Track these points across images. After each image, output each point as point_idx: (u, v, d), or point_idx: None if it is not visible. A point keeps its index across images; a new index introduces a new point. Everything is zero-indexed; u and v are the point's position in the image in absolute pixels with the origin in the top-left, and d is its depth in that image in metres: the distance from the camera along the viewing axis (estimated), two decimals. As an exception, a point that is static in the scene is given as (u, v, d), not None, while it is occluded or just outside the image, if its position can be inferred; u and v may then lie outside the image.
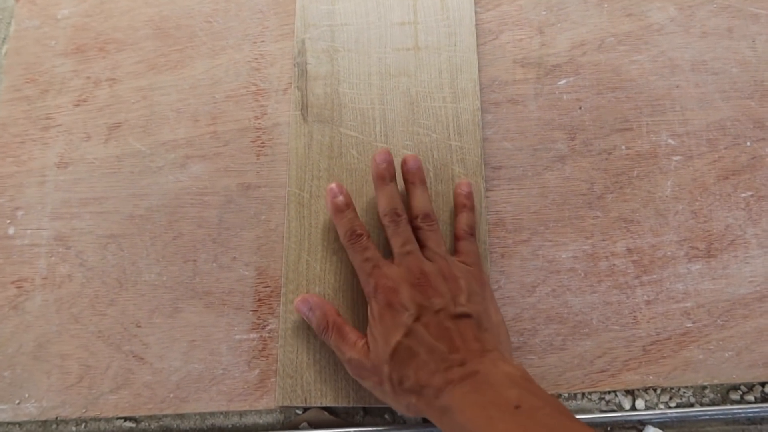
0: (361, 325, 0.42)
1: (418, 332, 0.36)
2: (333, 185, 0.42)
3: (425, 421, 0.42)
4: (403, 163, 0.43)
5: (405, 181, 0.43)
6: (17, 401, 0.42)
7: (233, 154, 0.47)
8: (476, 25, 0.49)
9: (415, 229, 0.41)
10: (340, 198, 0.42)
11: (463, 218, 0.43)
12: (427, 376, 0.35)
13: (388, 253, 0.42)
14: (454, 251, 0.43)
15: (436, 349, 0.36)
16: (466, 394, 0.33)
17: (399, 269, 0.39)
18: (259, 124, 0.48)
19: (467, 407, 0.33)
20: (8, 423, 0.42)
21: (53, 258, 0.45)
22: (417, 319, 0.37)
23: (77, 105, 0.48)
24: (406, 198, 0.43)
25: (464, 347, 0.36)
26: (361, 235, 0.41)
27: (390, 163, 0.42)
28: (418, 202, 0.42)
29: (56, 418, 0.42)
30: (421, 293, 0.38)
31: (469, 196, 0.44)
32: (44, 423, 0.42)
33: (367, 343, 0.39)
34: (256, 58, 0.49)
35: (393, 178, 0.42)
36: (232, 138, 0.47)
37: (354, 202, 0.43)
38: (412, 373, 0.36)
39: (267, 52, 0.49)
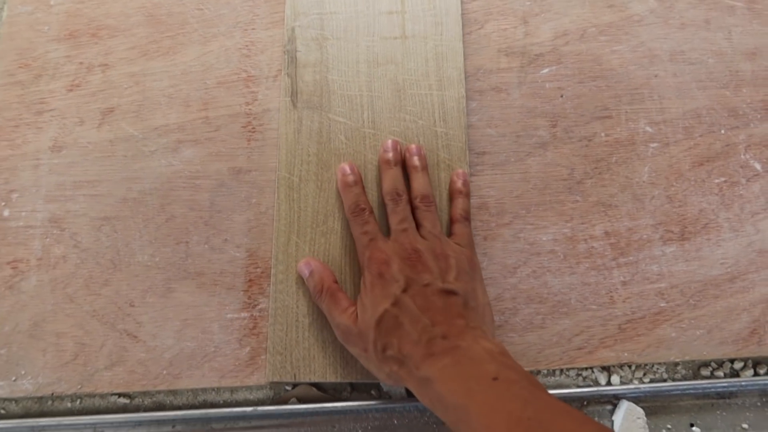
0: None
1: (405, 303, 0.38)
2: (345, 165, 0.45)
3: (409, 396, 0.44)
4: (407, 150, 0.46)
5: (408, 166, 0.45)
6: (13, 378, 0.43)
7: (224, 139, 0.48)
8: (462, 14, 0.51)
9: (414, 209, 0.43)
10: (350, 176, 0.45)
11: (459, 203, 0.45)
12: (410, 346, 0.37)
13: (388, 232, 0.43)
14: (449, 233, 0.45)
15: (420, 321, 0.37)
16: (446, 366, 0.35)
17: (393, 244, 0.41)
18: (249, 109, 0.49)
19: (447, 379, 0.35)
20: (5, 399, 0.43)
21: (48, 239, 0.46)
22: (405, 290, 0.38)
23: (70, 90, 0.49)
24: (409, 182, 0.45)
25: (447, 322, 0.37)
26: (364, 209, 0.43)
27: (396, 151, 0.45)
28: (419, 184, 0.44)
29: (52, 394, 0.43)
30: (410, 267, 0.39)
31: (465, 183, 0.46)
32: (40, 399, 0.44)
33: (357, 310, 0.40)
34: (247, 45, 0.50)
35: (398, 163, 0.45)
36: (223, 123, 0.48)
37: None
38: (395, 341, 0.37)
39: (257, 40, 0.50)
